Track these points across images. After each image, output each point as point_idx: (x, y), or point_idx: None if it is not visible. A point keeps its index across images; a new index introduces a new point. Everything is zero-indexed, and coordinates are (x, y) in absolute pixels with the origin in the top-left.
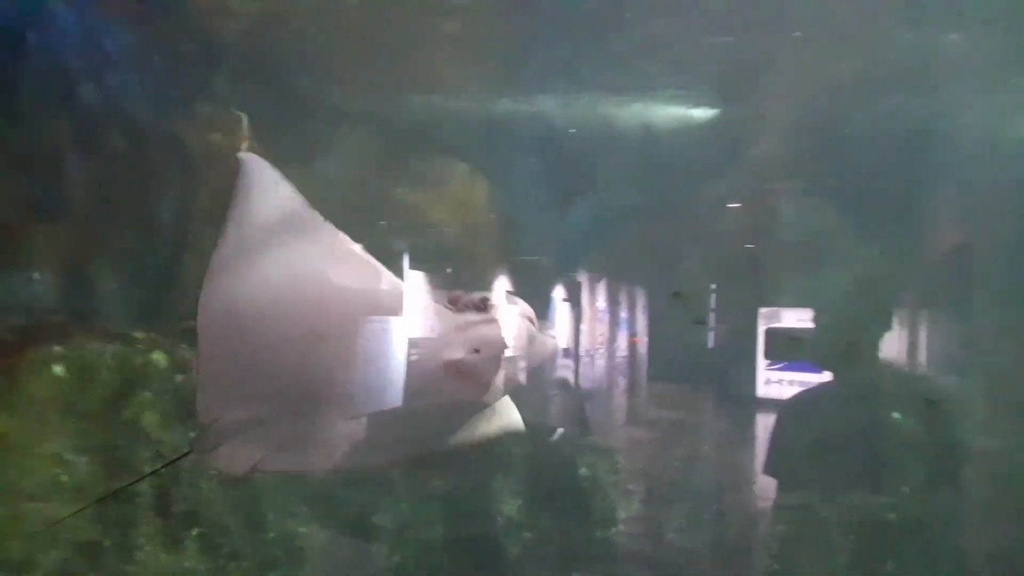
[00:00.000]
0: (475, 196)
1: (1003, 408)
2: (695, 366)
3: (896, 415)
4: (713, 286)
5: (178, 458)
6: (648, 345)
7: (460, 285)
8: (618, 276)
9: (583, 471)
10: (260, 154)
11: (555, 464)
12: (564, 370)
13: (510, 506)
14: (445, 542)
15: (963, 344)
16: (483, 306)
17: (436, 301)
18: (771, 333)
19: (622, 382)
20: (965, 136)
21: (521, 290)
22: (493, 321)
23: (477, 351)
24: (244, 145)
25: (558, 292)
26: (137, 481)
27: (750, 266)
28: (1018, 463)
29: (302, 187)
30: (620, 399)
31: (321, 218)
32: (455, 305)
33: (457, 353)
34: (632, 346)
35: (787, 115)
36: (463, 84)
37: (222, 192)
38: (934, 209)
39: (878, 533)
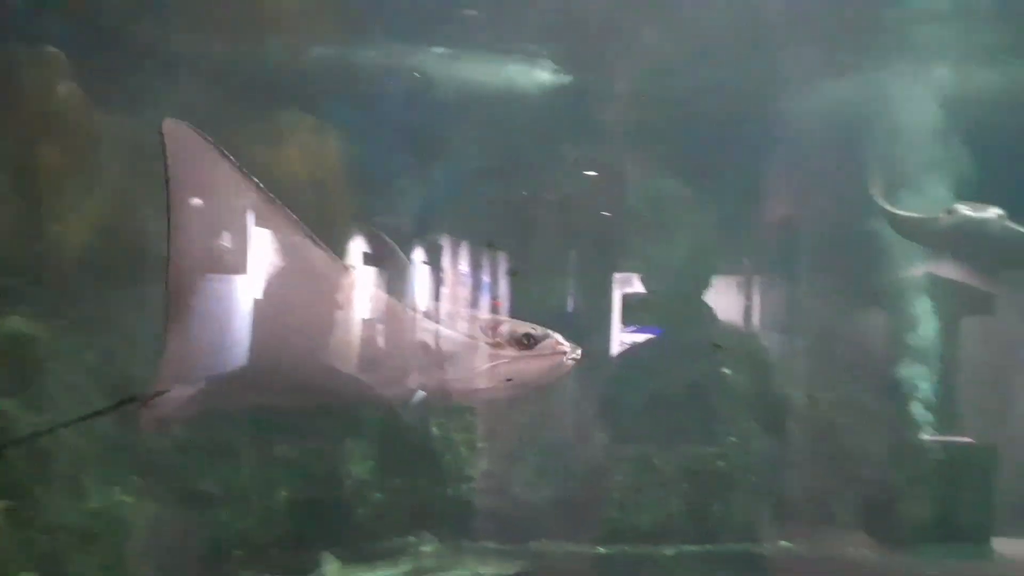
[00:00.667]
0: (325, 152)
1: (823, 363)
2: (554, 328)
3: (726, 370)
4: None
5: (119, 404)
6: (508, 309)
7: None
8: (477, 238)
9: (434, 430)
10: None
11: (406, 424)
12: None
13: (360, 468)
14: (291, 506)
15: (788, 306)
16: (526, 343)
17: (471, 328)
18: (625, 297)
19: None
20: (797, 115)
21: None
22: (532, 359)
23: (509, 380)
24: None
25: (417, 255)
26: (72, 423)
27: (604, 232)
28: (834, 413)
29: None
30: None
31: (262, 197)
32: (494, 336)
33: (489, 384)
34: (494, 309)
35: (634, 87)
36: (314, 33)
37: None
38: (767, 182)
39: (708, 480)
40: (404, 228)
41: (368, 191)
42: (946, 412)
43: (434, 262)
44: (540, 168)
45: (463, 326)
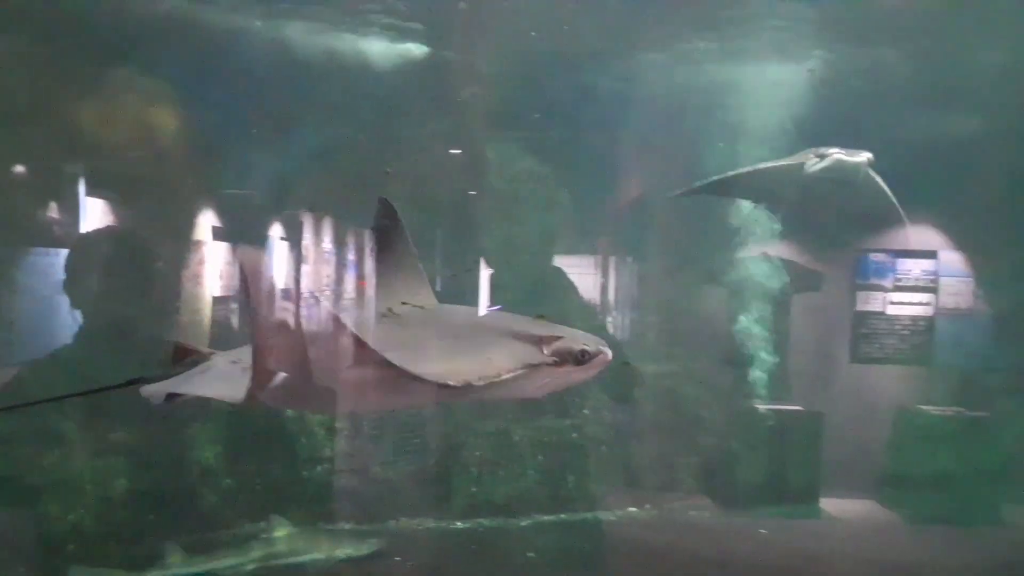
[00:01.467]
0: (163, 118)
1: (669, 338)
2: None
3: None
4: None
5: (128, 383)
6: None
7: None
8: (343, 214)
9: (289, 412)
10: None
11: (259, 408)
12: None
13: (207, 453)
14: (131, 496)
15: (639, 282)
16: (582, 359)
17: (530, 342)
18: (483, 274)
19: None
20: (651, 95)
21: (231, 227)
22: (581, 371)
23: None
24: None
25: (275, 230)
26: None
27: (467, 209)
28: (682, 385)
29: None
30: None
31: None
32: (551, 354)
33: (540, 392)
34: (360, 289)
35: (495, 65)
36: None
37: None
38: (621, 163)
39: (562, 451)
40: (255, 201)
41: (216, 161)
42: (779, 382)
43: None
44: (399, 143)
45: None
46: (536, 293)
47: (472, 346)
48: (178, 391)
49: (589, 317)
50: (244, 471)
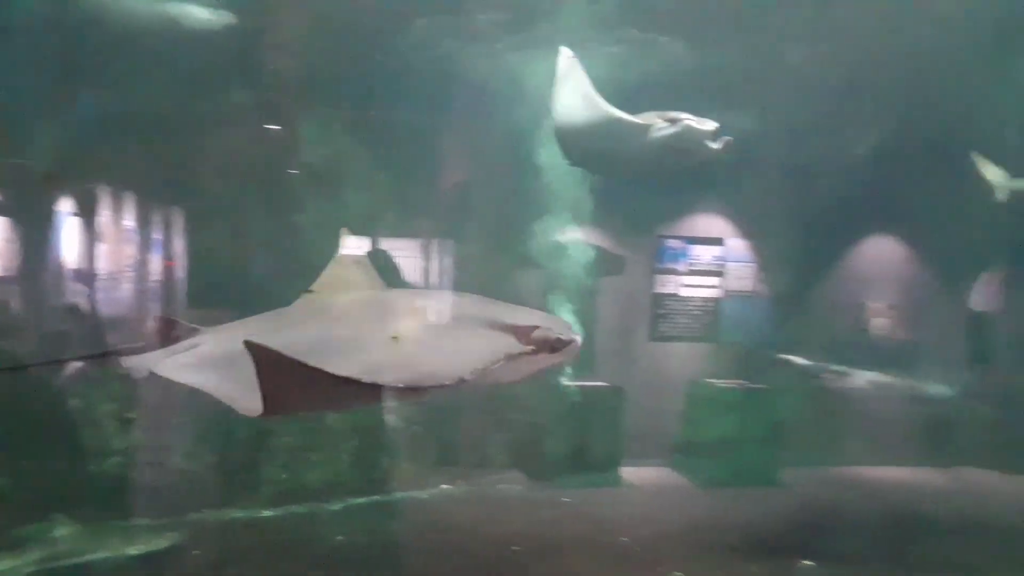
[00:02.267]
0: None
1: None
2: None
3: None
4: None
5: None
6: (187, 269)
7: None
8: (145, 190)
9: (73, 402)
10: None
11: (40, 400)
12: (76, 295)
13: None
14: None
15: (458, 264)
16: (558, 347)
17: (508, 332)
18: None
19: (153, 307)
20: (475, 76)
21: (7, 200)
22: (555, 356)
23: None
24: None
25: (64, 204)
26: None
27: (280, 187)
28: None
29: None
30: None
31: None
32: (529, 342)
33: (514, 378)
34: (167, 270)
35: (307, 36)
36: None
37: None
38: (442, 145)
39: (377, 433)
40: (35, 171)
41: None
42: (585, 360)
43: (88, 213)
44: (208, 116)
45: (502, 337)
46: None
47: (454, 338)
48: (162, 372)
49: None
50: (20, 468)
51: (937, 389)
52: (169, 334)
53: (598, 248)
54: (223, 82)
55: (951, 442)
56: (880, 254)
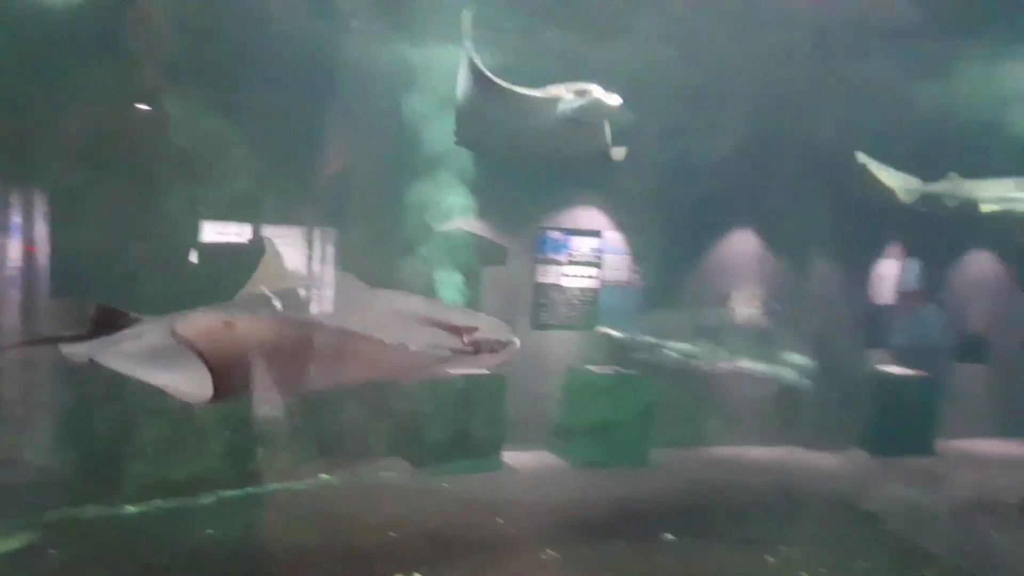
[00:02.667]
0: None
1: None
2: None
3: None
4: None
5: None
6: (49, 255)
7: None
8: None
9: None
10: None
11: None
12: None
13: None
14: None
15: (339, 252)
16: (497, 349)
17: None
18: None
19: (14, 296)
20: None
21: None
22: (494, 357)
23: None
24: None
25: None
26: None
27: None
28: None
29: None
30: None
31: None
32: (470, 343)
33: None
34: (28, 255)
35: (176, 12)
36: None
37: None
38: (323, 133)
39: (251, 424)
40: None
41: None
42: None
43: None
44: (68, 94)
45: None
46: (239, 262)
47: (403, 331)
48: (102, 360)
49: (294, 287)
50: None
51: (791, 373)
52: (109, 323)
53: (480, 238)
54: (84, 59)
55: (803, 422)
56: (744, 247)
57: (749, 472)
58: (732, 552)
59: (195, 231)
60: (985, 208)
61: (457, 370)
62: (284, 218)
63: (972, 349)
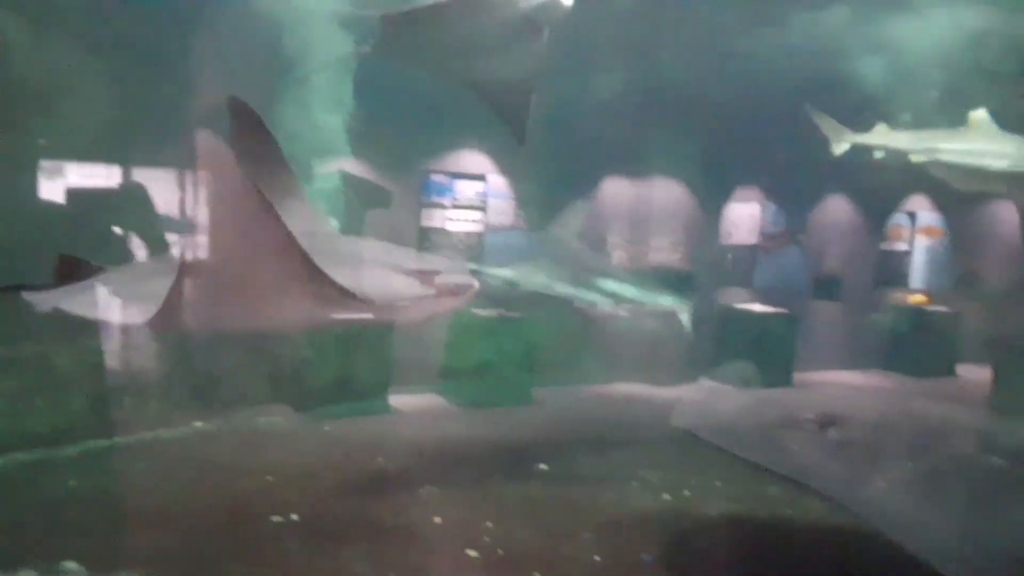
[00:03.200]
0: None
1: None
2: None
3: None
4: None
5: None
6: None
7: None
8: None
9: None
10: None
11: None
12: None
13: None
14: None
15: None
16: (456, 291)
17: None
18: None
19: None
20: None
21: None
22: (455, 299)
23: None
24: None
25: None
26: None
27: None
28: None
29: None
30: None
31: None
32: (432, 286)
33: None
34: None
35: None
36: None
37: None
38: (192, 67)
39: (118, 372)
40: None
41: None
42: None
43: None
44: None
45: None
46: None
47: (372, 276)
48: (65, 307)
49: (166, 232)
50: None
51: (663, 312)
52: (70, 272)
53: (362, 180)
54: None
55: (674, 359)
56: (625, 192)
57: (620, 406)
58: (600, 479)
59: (36, 168)
60: (914, 158)
61: (419, 315)
62: (151, 159)
63: (827, 288)
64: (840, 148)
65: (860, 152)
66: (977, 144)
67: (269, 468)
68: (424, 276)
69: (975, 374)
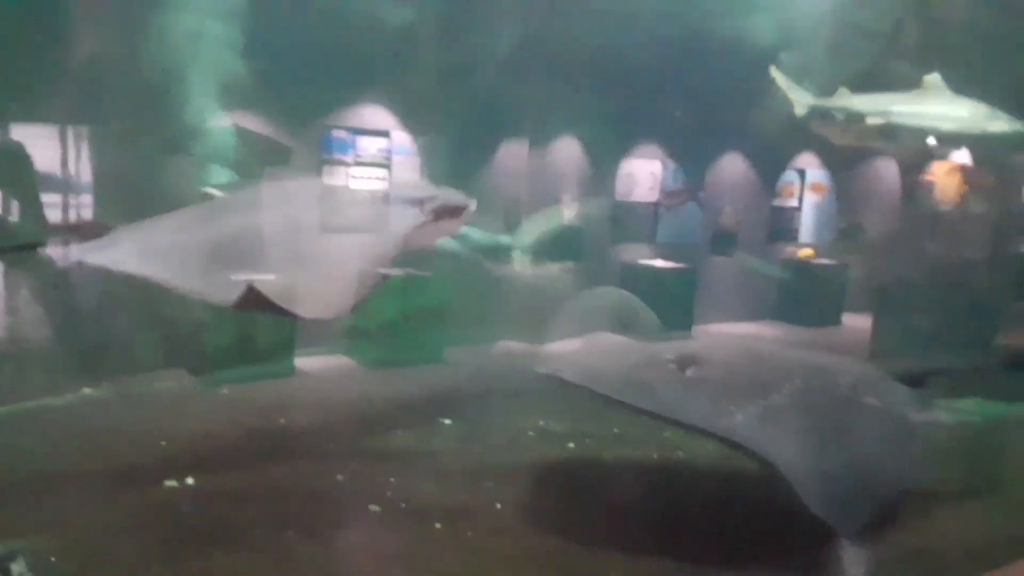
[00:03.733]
0: None
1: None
2: None
3: None
4: None
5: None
6: None
7: None
8: None
9: None
10: None
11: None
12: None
13: None
14: None
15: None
16: (455, 212)
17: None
18: None
19: None
20: None
21: None
22: (454, 223)
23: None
24: None
25: None
26: None
27: None
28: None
29: None
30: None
31: None
32: (430, 209)
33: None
34: None
35: None
36: None
37: None
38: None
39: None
40: None
41: None
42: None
43: None
44: None
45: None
46: None
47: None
48: (94, 261)
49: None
50: None
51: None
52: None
53: (260, 136)
54: None
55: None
56: (524, 148)
57: (527, 361)
58: (500, 430)
59: None
60: (871, 121)
61: (426, 237)
62: (29, 114)
63: (724, 244)
64: (800, 110)
65: (753, 111)
66: (932, 107)
67: (163, 434)
68: (420, 203)
69: (859, 322)
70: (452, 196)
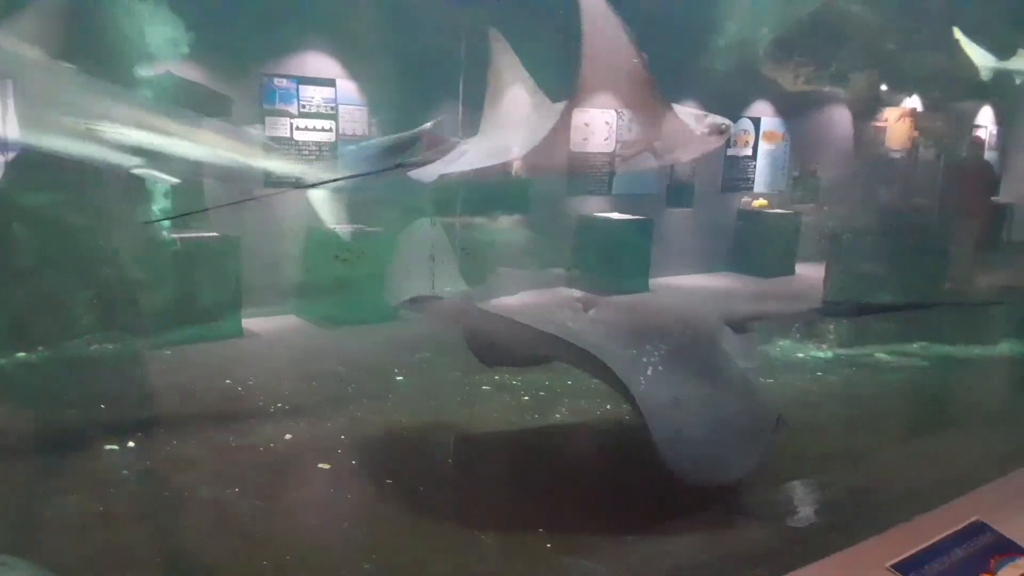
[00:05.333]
0: None
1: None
2: None
3: None
4: None
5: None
6: None
7: None
8: None
9: None
10: None
11: None
12: None
13: None
14: None
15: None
16: (723, 130)
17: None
18: None
19: None
20: None
21: None
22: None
23: None
24: None
25: None
26: None
27: None
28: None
29: None
30: None
31: None
32: (705, 125)
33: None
34: None
35: None
36: None
37: None
38: None
39: None
40: None
41: None
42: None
43: None
44: None
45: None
46: None
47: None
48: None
49: None
50: None
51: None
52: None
53: (197, 85)
54: None
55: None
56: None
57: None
58: (452, 382)
59: None
60: None
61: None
62: None
63: (679, 195)
64: (986, 75)
65: (709, 59)
66: None
67: (102, 397)
68: (701, 120)
69: (813, 271)
70: (718, 117)
